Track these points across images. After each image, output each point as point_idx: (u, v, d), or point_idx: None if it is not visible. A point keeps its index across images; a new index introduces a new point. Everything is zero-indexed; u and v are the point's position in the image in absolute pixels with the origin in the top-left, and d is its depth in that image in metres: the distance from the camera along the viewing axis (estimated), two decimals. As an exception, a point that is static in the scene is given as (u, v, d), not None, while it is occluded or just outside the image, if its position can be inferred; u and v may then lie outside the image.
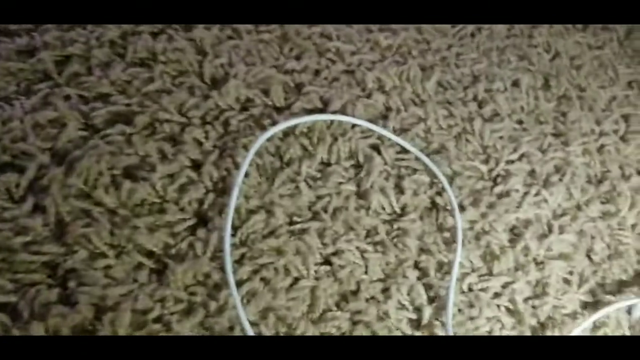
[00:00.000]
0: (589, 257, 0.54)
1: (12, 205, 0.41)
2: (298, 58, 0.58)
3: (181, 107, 0.49)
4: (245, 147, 0.49)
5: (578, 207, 0.57)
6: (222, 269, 0.42)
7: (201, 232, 0.43)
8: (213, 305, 0.40)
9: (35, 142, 0.44)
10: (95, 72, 0.49)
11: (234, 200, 0.44)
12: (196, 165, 0.47)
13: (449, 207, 0.52)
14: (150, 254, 0.42)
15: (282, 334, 0.41)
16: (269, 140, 0.50)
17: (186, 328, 0.39)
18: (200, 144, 0.48)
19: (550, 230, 0.54)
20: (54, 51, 0.49)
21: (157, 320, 0.39)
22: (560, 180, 0.58)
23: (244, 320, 0.39)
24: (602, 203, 0.59)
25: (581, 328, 0.49)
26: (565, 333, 0.48)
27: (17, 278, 0.38)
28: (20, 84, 0.48)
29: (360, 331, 0.43)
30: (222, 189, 0.46)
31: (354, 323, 0.43)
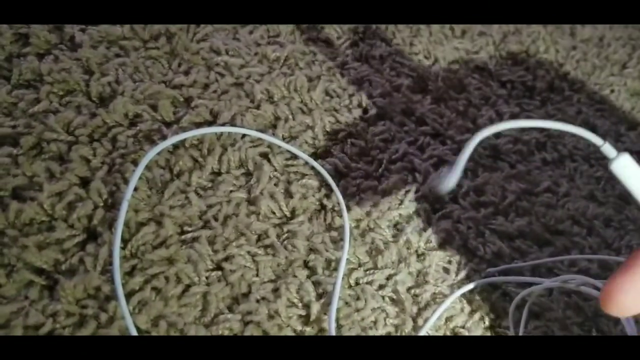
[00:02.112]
0: (465, 246, 0.59)
1: None
2: (187, 73, 0.60)
3: (68, 125, 0.51)
4: (134, 162, 0.50)
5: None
6: (112, 281, 0.44)
7: (91, 247, 0.45)
8: (104, 317, 0.42)
9: None
10: (-22, 95, 0.50)
11: (123, 213, 0.46)
12: (84, 182, 0.48)
13: (336, 208, 0.55)
14: (40, 271, 0.43)
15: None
16: (158, 154, 0.52)
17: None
18: (88, 161, 0.49)
19: (429, 223, 0.59)
20: None
21: (49, 334, 0.40)
22: (440, 177, 0.63)
23: (131, 326, 0.41)
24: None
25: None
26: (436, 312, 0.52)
27: None
28: None
29: (251, 331, 0.45)
30: (111, 204, 0.48)
31: (246, 323, 0.46)
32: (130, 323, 0.41)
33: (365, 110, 0.65)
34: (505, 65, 0.80)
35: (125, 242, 0.46)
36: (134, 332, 0.41)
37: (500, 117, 0.73)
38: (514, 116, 0.73)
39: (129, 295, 0.43)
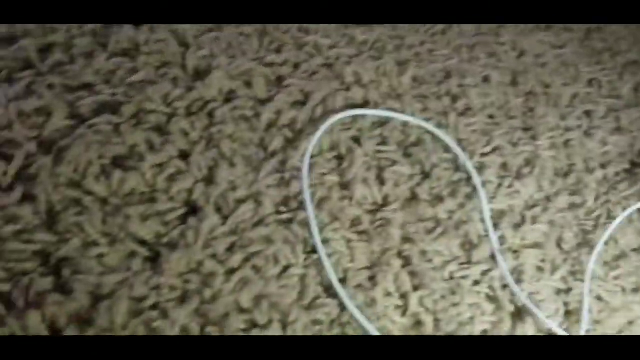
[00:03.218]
0: (559, 246, 0.57)
1: (1, 194, 0.40)
2: (278, 51, 0.59)
3: (166, 97, 0.49)
4: (231, 137, 0.49)
5: (548, 199, 0.60)
6: (214, 256, 0.42)
7: (192, 221, 0.44)
8: (208, 293, 0.40)
9: (22, 130, 0.43)
10: (79, 61, 0.49)
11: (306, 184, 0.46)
12: (184, 155, 0.47)
13: (427, 198, 0.54)
14: (143, 242, 0.42)
15: (275, 321, 0.42)
16: (253, 131, 0.51)
17: (182, 315, 0.39)
18: (186, 134, 0.48)
19: (523, 221, 0.56)
20: (35, 39, 0.48)
21: (154, 307, 0.39)
22: (531, 172, 0.60)
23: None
24: (570, 195, 0.61)
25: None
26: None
27: (9, 267, 0.38)
28: (1, 71, 0.47)
29: (348, 318, 0.44)
30: (210, 179, 0.46)
31: (342, 309, 0.44)
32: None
33: (454, 99, 0.63)
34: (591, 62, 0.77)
35: (224, 218, 0.45)
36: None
37: (588, 116, 0.70)
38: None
39: (229, 273, 0.42)
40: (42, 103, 0.45)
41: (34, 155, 0.42)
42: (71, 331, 0.36)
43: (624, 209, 0.62)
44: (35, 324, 0.35)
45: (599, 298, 0.54)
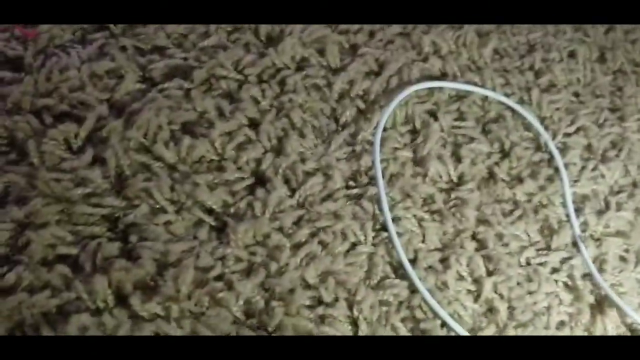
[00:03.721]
0: (645, 235, 0.53)
1: (71, 156, 0.40)
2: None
3: (237, 63, 0.48)
4: (302, 108, 0.48)
5: (634, 185, 0.55)
6: (281, 229, 0.41)
7: (260, 192, 0.42)
8: (274, 266, 0.39)
9: (93, 92, 0.43)
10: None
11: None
12: (254, 124, 0.46)
13: (505, 179, 0.51)
14: (210, 211, 0.41)
15: (341, 299, 0.40)
16: (324, 101, 0.49)
17: (247, 288, 0.38)
18: (257, 102, 0.47)
19: (607, 207, 0.53)
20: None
21: (219, 278, 0.38)
22: (617, 156, 0.56)
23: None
24: (659, 181, 0.57)
25: None
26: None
27: (77, 230, 0.37)
28: (75, 32, 0.46)
29: (418, 300, 0.42)
30: (278, 149, 0.45)
31: (412, 291, 0.42)
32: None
33: (537, 74, 0.59)
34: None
35: (292, 191, 0.43)
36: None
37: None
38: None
39: (296, 247, 0.41)
40: (114, 65, 0.44)
41: (105, 118, 0.42)
42: (136, 298, 0.35)
43: None
44: (102, 289, 0.35)
45: (688, 294, 0.50)
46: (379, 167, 0.46)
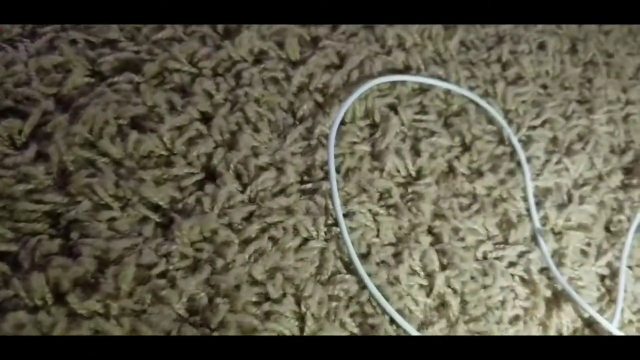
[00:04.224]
0: (607, 229, 0.53)
1: (14, 152, 0.39)
2: (315, 11, 0.55)
3: (192, 56, 0.47)
4: (257, 102, 0.47)
5: (600, 178, 0.55)
6: (229, 225, 0.41)
7: (209, 188, 0.42)
8: (220, 262, 0.39)
9: (39, 87, 0.42)
10: (104, 17, 0.47)
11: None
12: (206, 118, 0.45)
13: (465, 173, 0.50)
14: (156, 208, 0.40)
15: (289, 295, 0.40)
16: (282, 94, 0.48)
17: (191, 285, 0.37)
18: (210, 96, 0.46)
19: (570, 200, 0.52)
20: (61, -7, 0.47)
21: (162, 275, 0.38)
22: (583, 148, 0.56)
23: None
24: (625, 174, 0.56)
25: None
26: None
27: (18, 227, 0.37)
28: (25, 26, 0.46)
29: (367, 295, 0.42)
30: (231, 144, 0.44)
31: (362, 287, 0.42)
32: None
33: (504, 66, 0.59)
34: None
35: (243, 186, 0.43)
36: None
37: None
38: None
39: (245, 243, 0.40)
40: (62, 59, 0.44)
41: (51, 113, 0.41)
42: (75, 295, 0.35)
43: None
44: (39, 287, 0.34)
45: (649, 287, 0.50)
46: (332, 160, 0.45)
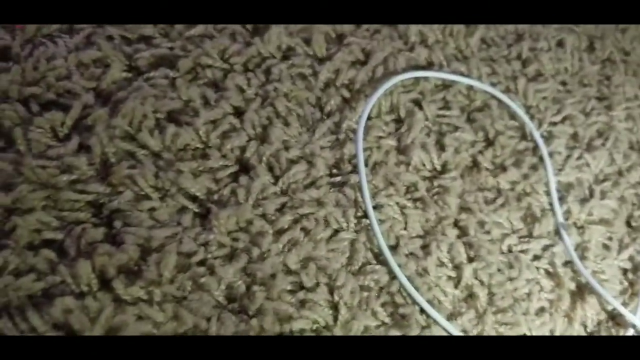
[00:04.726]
0: (628, 224, 0.53)
1: (57, 144, 0.41)
2: (341, 8, 0.57)
3: (224, 52, 0.49)
4: (287, 97, 0.48)
5: (620, 173, 0.56)
6: (263, 216, 0.42)
7: (243, 180, 0.43)
8: (256, 252, 0.40)
9: (80, 81, 0.43)
10: (138, 13, 0.48)
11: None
12: (239, 112, 0.46)
13: (489, 167, 0.51)
14: (193, 198, 0.41)
15: (322, 284, 0.41)
16: (310, 90, 0.50)
17: (229, 273, 0.39)
18: (242, 91, 0.47)
19: (591, 195, 0.53)
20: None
21: (201, 263, 0.39)
22: (603, 144, 0.57)
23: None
24: (645, 170, 0.57)
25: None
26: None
27: (63, 216, 0.38)
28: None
29: (397, 286, 0.43)
30: (263, 137, 0.46)
31: (392, 277, 0.43)
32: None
33: (524, 63, 0.60)
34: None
35: (276, 178, 0.44)
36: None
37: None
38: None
39: (278, 233, 0.42)
40: (101, 54, 0.45)
41: (91, 107, 0.42)
42: (119, 282, 0.36)
43: None
44: (85, 273, 0.36)
45: (670, 281, 0.51)
46: (361, 154, 0.46)
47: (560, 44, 0.63)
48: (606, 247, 0.51)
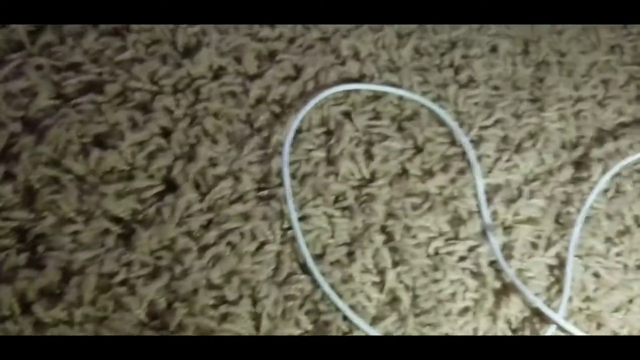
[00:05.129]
0: (557, 221, 0.55)
1: (-17, 174, 0.42)
2: (273, 26, 0.58)
3: (153, 75, 0.50)
4: (216, 115, 0.50)
5: (550, 173, 0.58)
6: (188, 233, 0.43)
7: (169, 198, 0.45)
8: (178, 269, 0.42)
9: (7, 111, 0.45)
10: (68, 41, 0.50)
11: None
12: (166, 133, 0.48)
13: (418, 174, 0.53)
14: (118, 220, 0.43)
15: (245, 297, 0.42)
16: (240, 107, 0.51)
17: (151, 291, 0.40)
18: (170, 112, 0.49)
19: (520, 195, 0.55)
20: (26, 21, 0.50)
21: (123, 283, 0.40)
22: (533, 145, 0.59)
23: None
24: (575, 168, 0.59)
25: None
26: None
27: (-12, 243, 0.40)
28: (-8, 54, 0.49)
29: (321, 294, 0.44)
30: (190, 156, 0.47)
31: (317, 286, 0.45)
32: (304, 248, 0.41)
33: (456, 70, 0.61)
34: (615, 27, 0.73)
35: (202, 195, 0.46)
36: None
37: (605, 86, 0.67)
38: None
39: (203, 249, 0.43)
40: (28, 84, 0.46)
41: (18, 135, 0.44)
42: (40, 305, 0.37)
43: (635, 182, 0.59)
44: (6, 298, 0.37)
45: (596, 275, 0.53)
46: (286, 166, 0.48)
47: (493, 49, 0.65)
48: (534, 245, 0.53)
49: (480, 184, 0.53)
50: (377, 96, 0.56)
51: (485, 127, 0.58)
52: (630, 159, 0.59)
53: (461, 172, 0.54)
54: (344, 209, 0.49)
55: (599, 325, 0.50)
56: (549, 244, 0.53)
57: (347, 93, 0.55)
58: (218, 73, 0.53)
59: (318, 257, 0.46)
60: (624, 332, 0.50)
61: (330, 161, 0.51)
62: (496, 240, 0.51)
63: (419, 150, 0.54)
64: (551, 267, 0.52)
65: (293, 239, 0.46)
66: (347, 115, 0.54)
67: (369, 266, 0.47)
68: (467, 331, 0.46)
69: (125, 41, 0.52)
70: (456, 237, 0.51)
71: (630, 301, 0.52)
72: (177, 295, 0.41)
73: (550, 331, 0.48)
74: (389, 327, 0.44)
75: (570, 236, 0.53)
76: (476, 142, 0.57)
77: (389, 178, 0.52)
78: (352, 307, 0.44)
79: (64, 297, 0.38)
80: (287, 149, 0.49)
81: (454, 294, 0.48)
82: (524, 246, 0.52)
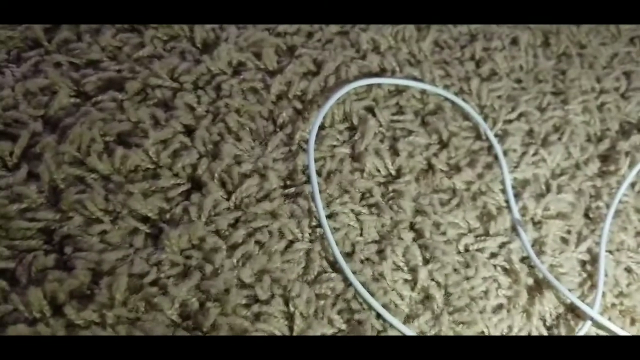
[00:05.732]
0: (587, 215, 0.54)
1: (7, 173, 0.41)
2: (291, 20, 0.57)
3: (173, 72, 0.49)
4: (238, 112, 0.49)
5: (577, 166, 0.57)
6: (217, 232, 0.42)
7: (195, 197, 0.44)
8: (209, 268, 0.40)
9: (27, 109, 0.44)
10: (85, 38, 0.49)
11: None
12: (189, 131, 0.47)
13: (444, 169, 0.52)
14: (145, 219, 0.42)
15: (277, 296, 0.41)
16: (261, 103, 0.50)
17: (182, 291, 0.39)
18: (192, 109, 0.48)
19: (548, 190, 0.54)
20: (43, 18, 0.49)
21: (154, 283, 0.39)
22: (559, 139, 0.58)
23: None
24: (602, 161, 0.58)
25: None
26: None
27: (14, 245, 0.39)
28: (10, 52, 0.47)
29: (352, 293, 0.43)
30: (214, 154, 0.46)
31: (348, 285, 0.43)
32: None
33: (477, 63, 0.61)
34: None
35: (228, 193, 0.45)
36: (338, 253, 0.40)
37: (627, 78, 0.66)
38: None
39: (232, 248, 0.42)
40: (48, 82, 0.45)
41: (39, 134, 0.43)
42: (71, 307, 0.36)
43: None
44: (36, 300, 0.36)
45: (628, 270, 0.52)
46: (312, 164, 0.47)
47: (514, 41, 0.64)
48: (564, 240, 0.52)
49: (508, 178, 0.52)
50: (399, 90, 0.55)
51: (510, 121, 0.57)
52: (658, 151, 0.58)
53: (488, 167, 0.53)
54: (371, 205, 0.48)
55: (632, 321, 0.49)
56: (580, 239, 0.52)
57: (369, 87, 0.54)
58: (238, 69, 0.52)
59: (348, 255, 0.45)
60: (659, 327, 0.49)
61: (355, 157, 0.50)
62: (527, 236, 0.50)
63: (444, 145, 0.53)
64: (583, 263, 0.51)
65: (322, 237, 0.45)
66: (369, 110, 0.53)
67: (400, 264, 0.46)
68: (502, 328, 0.45)
69: (143, 37, 0.51)
70: (486, 234, 0.50)
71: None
72: (208, 295, 0.40)
73: (586, 327, 0.47)
74: (422, 325, 0.43)
75: (602, 231, 0.52)
76: (501, 136, 0.56)
77: (415, 174, 0.51)
78: (385, 306, 0.43)
79: (95, 299, 0.37)
80: (312, 145, 0.48)
81: (486, 292, 0.46)
82: (555, 242, 0.51)
